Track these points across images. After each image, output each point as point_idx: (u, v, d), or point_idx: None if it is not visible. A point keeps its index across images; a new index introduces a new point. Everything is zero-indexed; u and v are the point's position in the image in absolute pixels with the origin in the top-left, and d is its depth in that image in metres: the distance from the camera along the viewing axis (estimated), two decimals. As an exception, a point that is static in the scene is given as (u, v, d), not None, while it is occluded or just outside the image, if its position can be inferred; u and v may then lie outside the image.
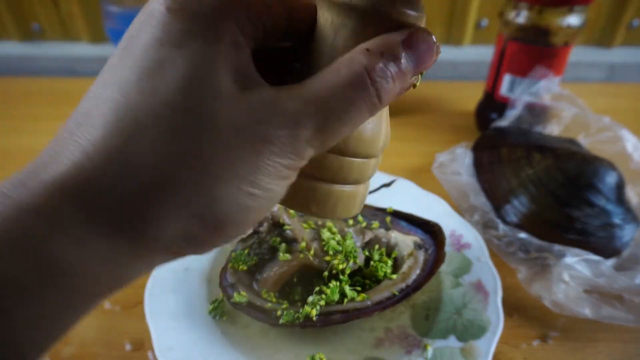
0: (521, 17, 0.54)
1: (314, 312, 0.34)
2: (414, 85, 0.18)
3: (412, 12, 0.17)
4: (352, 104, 0.16)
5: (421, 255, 0.39)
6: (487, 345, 0.34)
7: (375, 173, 0.22)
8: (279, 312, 0.34)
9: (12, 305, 0.13)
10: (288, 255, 0.38)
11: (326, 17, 0.18)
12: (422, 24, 0.18)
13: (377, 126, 0.19)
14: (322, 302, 0.34)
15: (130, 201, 0.15)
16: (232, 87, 0.16)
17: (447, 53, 0.83)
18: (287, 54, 0.20)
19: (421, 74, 0.18)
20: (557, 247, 0.41)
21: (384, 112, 0.20)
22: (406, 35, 0.16)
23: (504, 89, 0.59)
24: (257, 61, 0.17)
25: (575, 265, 0.39)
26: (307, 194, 0.19)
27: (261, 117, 0.16)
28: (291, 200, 0.19)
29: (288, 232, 0.39)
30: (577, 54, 0.74)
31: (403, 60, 0.16)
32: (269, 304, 0.35)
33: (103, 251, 0.15)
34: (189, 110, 0.15)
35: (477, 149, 0.53)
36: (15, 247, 0.14)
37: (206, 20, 0.16)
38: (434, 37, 0.17)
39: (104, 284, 0.16)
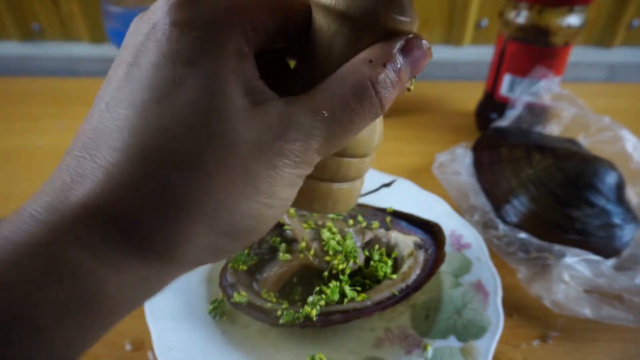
0: (521, 17, 0.54)
1: (314, 312, 0.34)
2: (409, 89, 0.19)
3: (405, 19, 0.17)
4: (358, 114, 0.17)
5: (421, 255, 0.39)
6: (487, 345, 0.34)
7: (369, 170, 0.23)
8: (279, 312, 0.34)
9: (54, 328, 0.14)
10: (288, 255, 0.38)
11: (322, 23, 0.18)
12: (415, 28, 0.18)
13: (371, 127, 0.20)
14: (322, 302, 0.34)
15: (161, 225, 0.15)
16: (245, 102, 0.16)
17: (447, 53, 0.83)
18: (278, 54, 0.20)
19: (414, 77, 0.19)
20: (557, 247, 0.41)
21: None
22: (403, 44, 0.17)
23: (504, 89, 0.59)
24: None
25: (575, 265, 0.39)
26: (309, 194, 0.20)
27: (276, 132, 0.16)
28: (295, 200, 0.20)
29: (288, 232, 0.39)
30: (577, 54, 0.74)
31: (401, 68, 0.17)
32: (269, 304, 0.35)
33: (138, 274, 0.16)
34: (207, 131, 0.15)
35: (477, 149, 0.53)
36: (55, 273, 0.14)
37: (213, 33, 0.16)
38: (426, 42, 0.18)
39: (135, 302, 0.17)
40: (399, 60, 0.17)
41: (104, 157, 0.15)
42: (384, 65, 0.17)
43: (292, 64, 0.21)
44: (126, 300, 0.16)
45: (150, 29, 0.16)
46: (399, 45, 0.17)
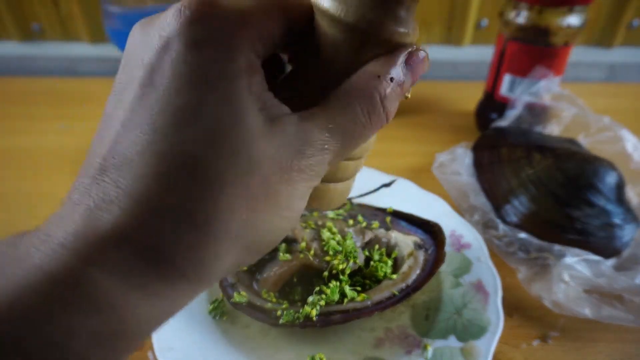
0: (521, 17, 0.54)
1: (314, 312, 0.34)
2: (406, 97, 0.20)
3: (409, 33, 0.18)
4: (367, 127, 0.18)
5: (421, 255, 0.39)
6: (487, 345, 0.34)
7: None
8: (279, 312, 0.34)
9: (92, 357, 0.14)
10: (288, 255, 0.38)
11: (327, 32, 0.18)
12: (416, 40, 0.19)
13: None
14: (322, 302, 0.34)
15: (189, 250, 0.16)
16: (261, 120, 0.16)
17: (447, 53, 0.83)
18: (274, 57, 0.21)
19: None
20: (557, 247, 0.41)
21: None
22: (406, 57, 0.18)
23: (504, 89, 0.59)
24: None
25: (575, 265, 0.39)
26: None
27: (295, 150, 0.17)
28: None
29: (288, 232, 0.39)
30: (577, 54, 0.74)
31: (404, 80, 0.18)
32: (269, 304, 0.35)
33: (166, 297, 0.16)
34: (229, 154, 0.16)
35: (477, 149, 0.53)
36: (91, 303, 0.14)
37: (226, 51, 0.16)
38: (424, 52, 0.19)
39: (160, 322, 0.17)
40: (403, 73, 0.18)
41: (129, 184, 0.15)
42: (390, 80, 0.18)
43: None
44: (153, 322, 0.16)
45: (162, 46, 0.16)
46: (402, 58, 0.18)
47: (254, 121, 0.16)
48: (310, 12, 0.19)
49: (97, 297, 0.14)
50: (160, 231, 0.15)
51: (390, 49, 0.18)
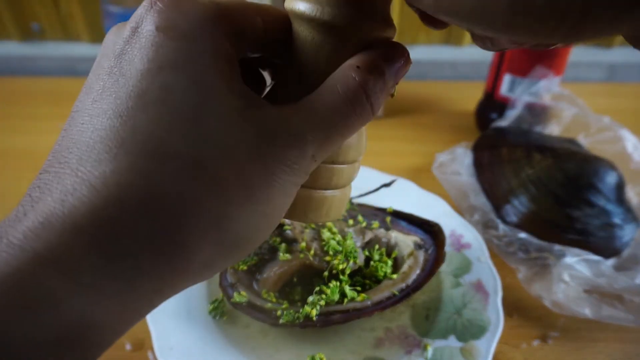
0: (521, 17, 0.54)
1: (314, 312, 0.34)
2: (392, 95, 0.19)
3: (385, 25, 0.18)
4: (351, 118, 0.17)
5: (421, 255, 0.39)
6: (487, 345, 0.34)
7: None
8: (279, 312, 0.34)
9: None
10: (288, 255, 0.38)
11: (306, 34, 0.18)
12: (394, 35, 0.19)
13: (359, 132, 0.21)
14: (322, 302, 0.34)
15: (154, 246, 0.14)
16: (239, 105, 0.16)
17: (447, 53, 0.83)
18: (250, 63, 0.20)
19: (397, 82, 0.19)
20: (557, 247, 0.41)
21: None
22: (385, 50, 0.18)
23: (504, 89, 0.59)
24: None
25: (575, 265, 0.39)
26: (303, 204, 0.20)
27: (273, 137, 0.16)
28: (289, 211, 0.20)
29: (288, 232, 0.39)
30: (577, 54, 0.74)
31: (386, 73, 0.18)
32: (269, 304, 0.35)
33: (127, 300, 0.15)
34: (201, 136, 0.15)
35: (477, 149, 0.53)
36: (37, 306, 0.13)
37: (198, 37, 0.15)
38: (405, 48, 0.19)
39: (123, 329, 0.15)
40: (383, 65, 0.18)
41: (89, 172, 0.14)
42: (371, 71, 0.17)
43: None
44: (113, 328, 0.15)
45: (131, 34, 0.15)
46: (382, 52, 0.18)
47: (226, 107, 0.15)
48: (287, 21, 0.18)
49: (51, 302, 0.13)
50: (119, 224, 0.14)
51: (370, 44, 0.18)
